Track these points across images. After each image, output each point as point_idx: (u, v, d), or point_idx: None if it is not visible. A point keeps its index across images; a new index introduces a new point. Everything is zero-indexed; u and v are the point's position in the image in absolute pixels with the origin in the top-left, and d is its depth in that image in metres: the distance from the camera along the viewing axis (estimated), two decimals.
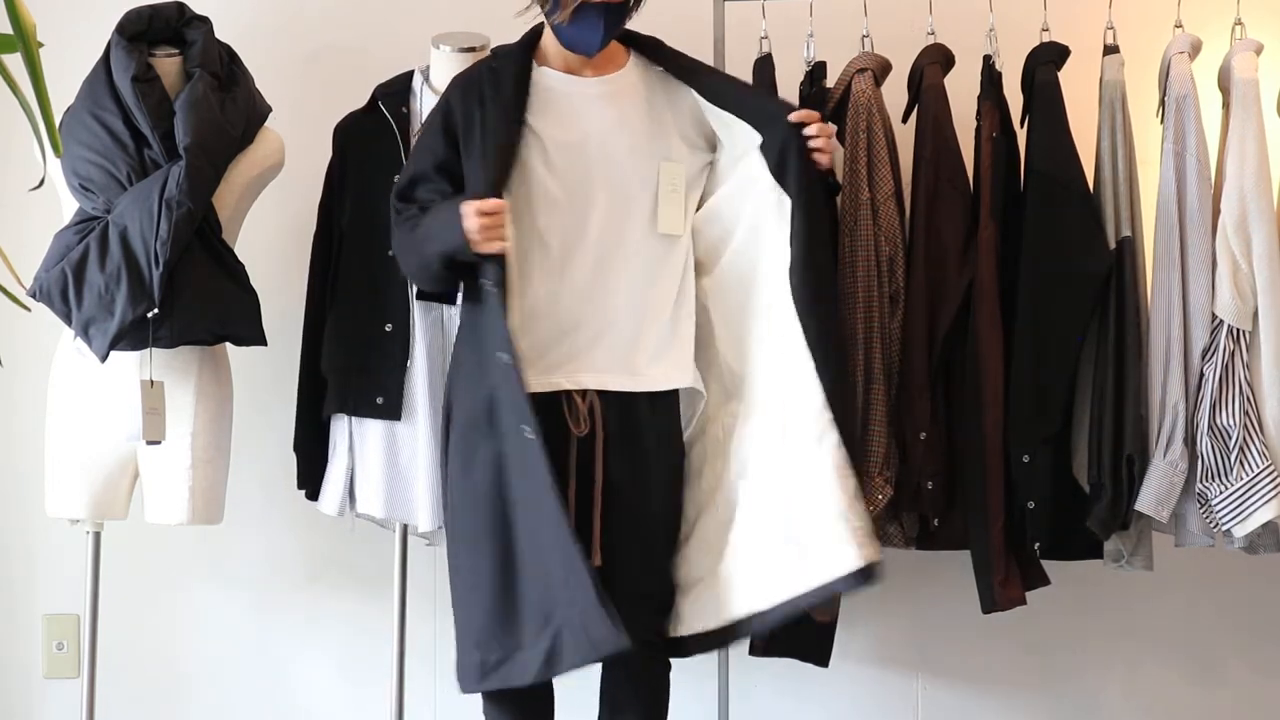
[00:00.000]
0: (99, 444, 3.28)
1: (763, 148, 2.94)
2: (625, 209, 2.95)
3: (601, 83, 3.02)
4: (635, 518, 2.92)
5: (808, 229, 2.89)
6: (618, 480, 2.91)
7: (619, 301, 2.93)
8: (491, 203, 2.82)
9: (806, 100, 3.35)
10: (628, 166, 2.96)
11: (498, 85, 2.98)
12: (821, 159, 2.91)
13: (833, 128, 2.99)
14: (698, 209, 3.04)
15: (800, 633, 3.31)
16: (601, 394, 2.91)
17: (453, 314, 3.23)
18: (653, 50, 3.07)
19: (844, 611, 3.35)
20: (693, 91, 3.02)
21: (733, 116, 2.98)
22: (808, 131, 2.90)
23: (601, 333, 2.92)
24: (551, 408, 2.89)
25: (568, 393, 2.90)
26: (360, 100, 3.42)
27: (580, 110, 2.99)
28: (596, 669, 3.09)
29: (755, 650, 3.34)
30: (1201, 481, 3.10)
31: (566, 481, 2.87)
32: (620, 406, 2.92)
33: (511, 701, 2.96)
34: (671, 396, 2.98)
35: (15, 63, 1.83)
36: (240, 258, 3.31)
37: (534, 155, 2.95)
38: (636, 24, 3.03)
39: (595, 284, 2.93)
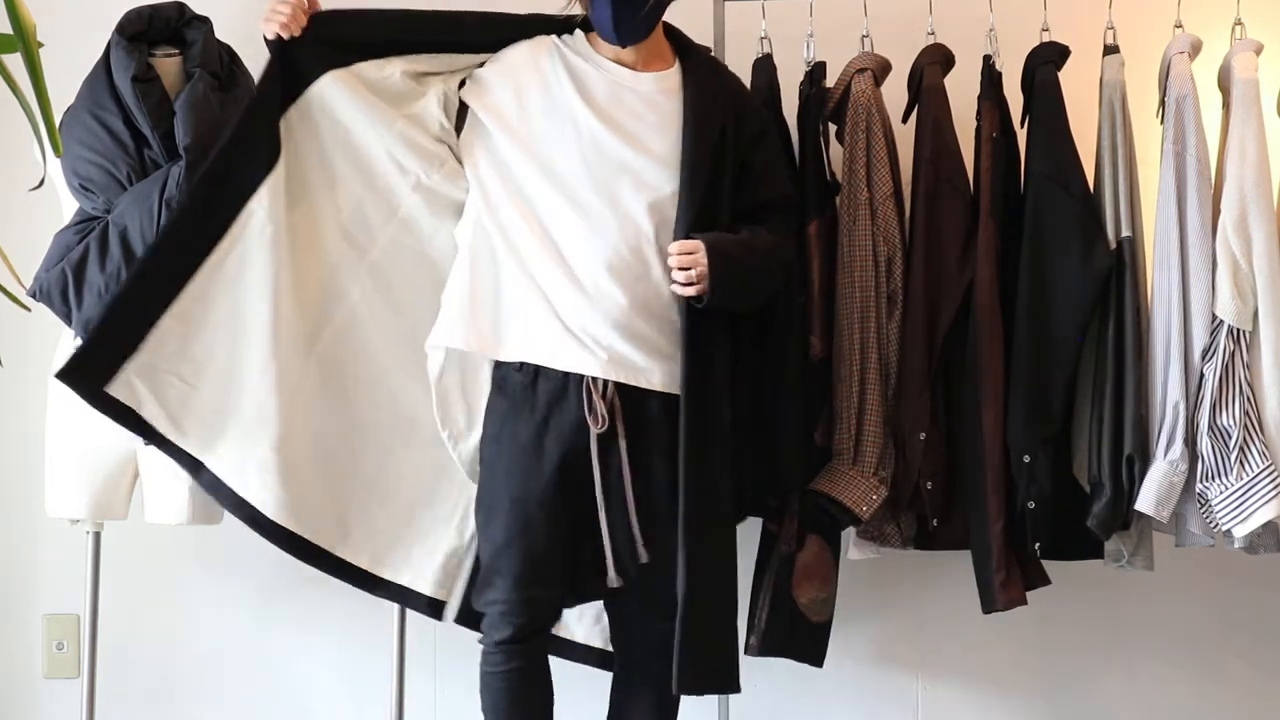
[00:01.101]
0: (99, 444, 3.28)
1: None
2: (656, 209, 2.94)
3: (638, 79, 3.01)
4: (656, 522, 2.92)
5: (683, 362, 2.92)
6: (641, 481, 2.91)
7: (645, 298, 2.93)
8: None
9: (807, 100, 3.35)
10: (658, 170, 2.96)
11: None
12: (679, 289, 2.90)
13: (697, 257, 2.90)
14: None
15: (795, 633, 3.32)
16: (620, 390, 2.90)
17: None
18: (699, 60, 3.09)
19: (844, 611, 3.35)
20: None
21: None
22: (670, 263, 2.90)
23: (624, 327, 2.91)
24: (572, 398, 2.89)
25: (588, 388, 2.90)
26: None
27: (618, 102, 2.99)
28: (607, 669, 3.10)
29: (750, 649, 3.33)
30: (1201, 481, 3.10)
31: (593, 480, 2.90)
32: (639, 406, 2.92)
33: (507, 688, 2.95)
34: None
35: (15, 63, 1.83)
36: None
37: (553, 123, 2.98)
38: None
39: (619, 274, 2.92)
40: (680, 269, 2.89)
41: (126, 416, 3.00)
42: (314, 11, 3.01)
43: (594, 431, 2.89)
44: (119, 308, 2.98)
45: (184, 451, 3.03)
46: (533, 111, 3.01)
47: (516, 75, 3.04)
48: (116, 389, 2.97)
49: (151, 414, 3.00)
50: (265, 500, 3.03)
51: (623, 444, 2.90)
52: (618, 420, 2.90)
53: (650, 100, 3.01)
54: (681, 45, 3.11)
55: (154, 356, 2.98)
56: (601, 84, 3.01)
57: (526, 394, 2.93)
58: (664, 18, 3.06)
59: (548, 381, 2.92)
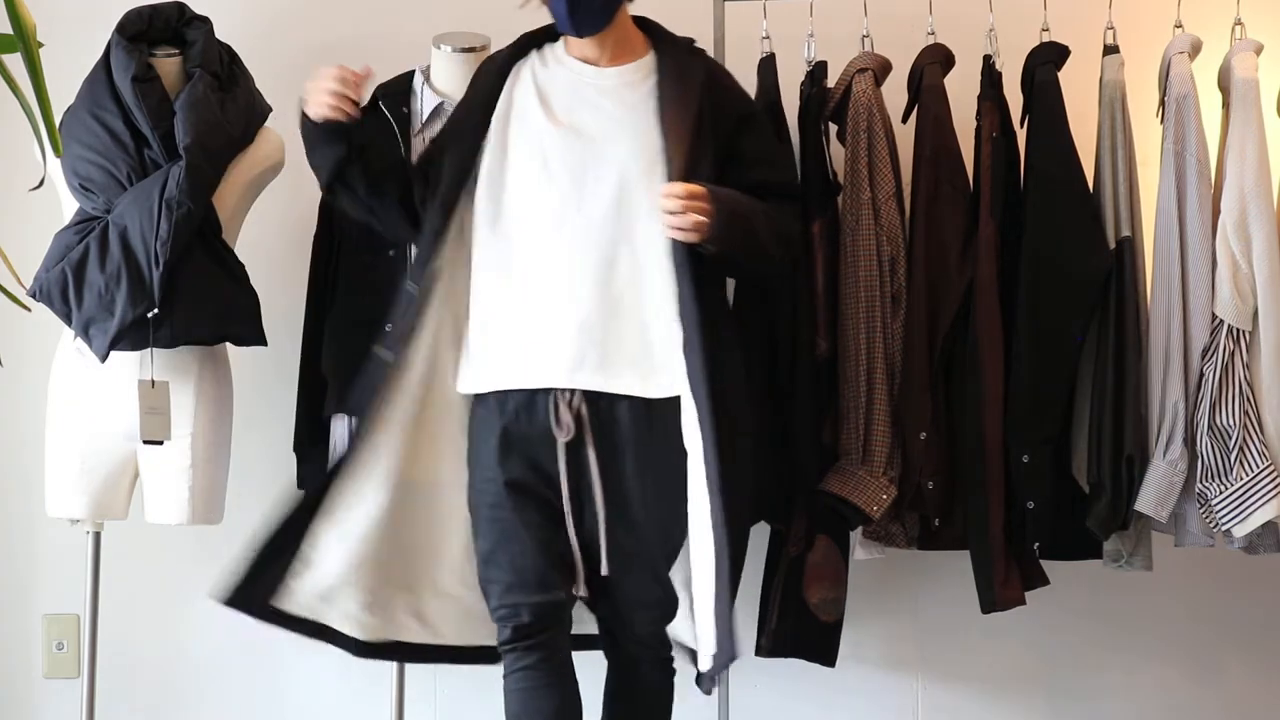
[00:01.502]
0: (99, 444, 3.28)
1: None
2: (618, 204, 2.87)
3: (602, 75, 2.97)
4: (633, 526, 2.88)
5: (683, 307, 2.80)
6: (613, 487, 2.86)
7: (611, 301, 2.86)
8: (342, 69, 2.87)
9: (808, 100, 3.35)
10: (620, 162, 2.89)
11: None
12: (675, 234, 2.77)
13: (697, 204, 2.75)
14: None
15: (806, 633, 3.32)
16: (588, 397, 2.85)
17: None
18: (673, 48, 3.01)
19: (845, 612, 3.35)
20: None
21: None
22: (664, 205, 2.77)
23: (590, 332, 2.85)
24: (540, 406, 2.88)
25: (554, 398, 2.86)
26: (361, 100, 3.42)
27: (580, 100, 2.95)
28: (600, 671, 3.09)
29: (761, 651, 3.33)
30: (1201, 481, 3.10)
31: (560, 487, 2.86)
32: (608, 412, 2.86)
33: (517, 690, 2.92)
34: (668, 402, 2.86)
35: (15, 63, 1.83)
36: (240, 258, 3.32)
37: (521, 143, 2.94)
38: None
39: (582, 279, 2.86)
40: (675, 213, 2.76)
41: (308, 627, 2.99)
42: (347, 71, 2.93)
43: (560, 440, 2.86)
44: (273, 530, 2.95)
45: (367, 644, 3.02)
46: (510, 144, 2.96)
47: (501, 139, 2.97)
48: (291, 604, 2.96)
49: (335, 620, 2.99)
50: (447, 635, 3.05)
51: (591, 453, 2.85)
52: (585, 428, 2.85)
53: (614, 93, 2.94)
54: (655, 36, 3.03)
55: (310, 563, 2.96)
56: (564, 85, 2.96)
57: (499, 404, 2.90)
58: (660, 18, 3.05)
59: (517, 392, 2.89)
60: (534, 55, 3.03)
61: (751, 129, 3.02)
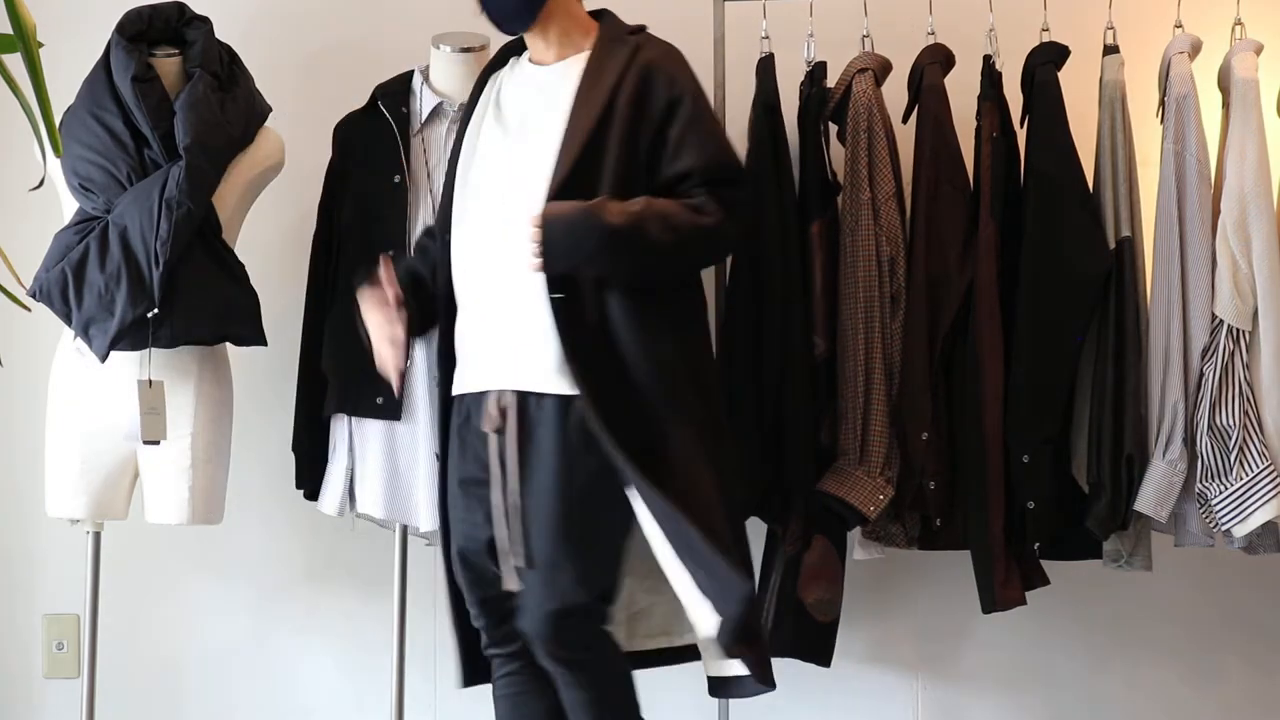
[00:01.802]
0: (99, 444, 3.28)
1: None
2: (536, 204, 2.80)
3: (547, 73, 2.93)
4: (552, 520, 2.81)
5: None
6: (528, 479, 2.82)
7: (542, 301, 2.80)
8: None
9: (807, 100, 3.35)
10: (535, 158, 2.83)
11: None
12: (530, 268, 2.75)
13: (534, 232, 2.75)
14: None
15: (803, 633, 3.32)
16: (519, 395, 2.82)
17: None
18: (606, 37, 2.92)
19: (844, 611, 3.36)
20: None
21: None
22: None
23: (520, 333, 2.82)
24: (480, 409, 2.87)
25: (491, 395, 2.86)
26: (360, 100, 3.43)
27: (529, 102, 2.93)
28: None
29: None
30: (1201, 481, 3.11)
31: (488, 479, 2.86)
32: (534, 409, 2.82)
33: (500, 695, 2.95)
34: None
35: (15, 63, 1.83)
36: (240, 258, 3.32)
37: (476, 153, 2.94)
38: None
39: (518, 281, 2.82)
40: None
41: None
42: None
43: (488, 432, 2.84)
44: (457, 612, 3.00)
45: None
46: (473, 155, 2.96)
47: (469, 154, 2.96)
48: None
49: None
50: None
51: (510, 443, 2.82)
52: (508, 422, 2.83)
53: (555, 91, 2.89)
54: (602, 25, 2.95)
55: None
56: (517, 89, 2.95)
57: (456, 407, 2.93)
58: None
59: (469, 394, 2.90)
60: (509, 64, 3.03)
61: (676, 116, 2.83)
